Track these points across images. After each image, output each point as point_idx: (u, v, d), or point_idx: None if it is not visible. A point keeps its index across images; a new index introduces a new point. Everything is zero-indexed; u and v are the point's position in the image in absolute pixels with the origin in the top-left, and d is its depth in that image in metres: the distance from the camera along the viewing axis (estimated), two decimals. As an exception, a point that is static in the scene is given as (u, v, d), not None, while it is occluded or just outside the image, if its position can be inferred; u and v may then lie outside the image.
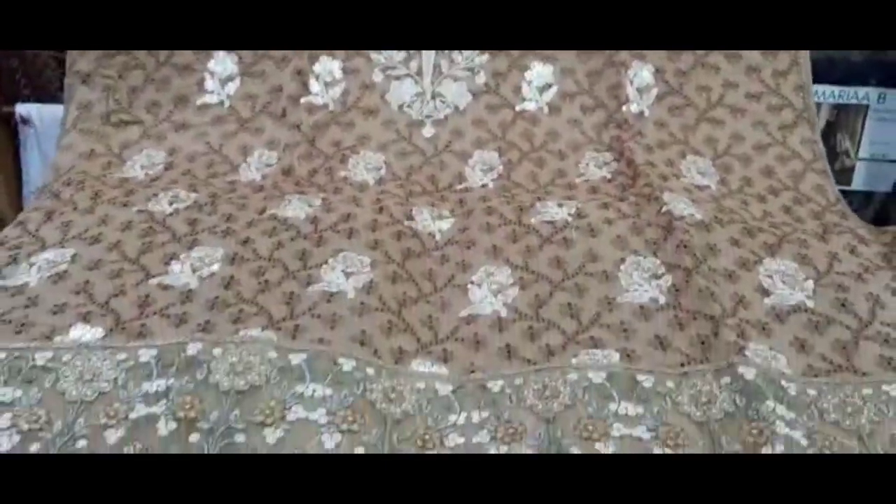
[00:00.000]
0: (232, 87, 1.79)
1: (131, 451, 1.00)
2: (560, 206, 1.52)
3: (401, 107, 1.79)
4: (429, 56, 1.80)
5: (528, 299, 1.31)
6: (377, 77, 1.80)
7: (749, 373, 1.11)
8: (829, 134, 1.83)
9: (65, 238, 1.41)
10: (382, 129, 1.76)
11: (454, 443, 1.07)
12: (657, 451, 1.04)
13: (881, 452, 1.04)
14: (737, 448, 1.03)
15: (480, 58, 1.81)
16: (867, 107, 1.84)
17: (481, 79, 1.81)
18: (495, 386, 1.15)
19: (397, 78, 1.80)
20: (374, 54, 1.80)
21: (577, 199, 1.57)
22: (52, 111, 1.77)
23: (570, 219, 1.47)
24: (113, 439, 1.03)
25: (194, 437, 1.03)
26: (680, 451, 1.04)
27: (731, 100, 1.79)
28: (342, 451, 1.03)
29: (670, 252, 1.37)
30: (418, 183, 1.68)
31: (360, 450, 1.04)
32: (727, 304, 1.26)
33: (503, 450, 1.05)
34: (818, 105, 1.82)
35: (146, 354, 1.14)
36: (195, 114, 1.77)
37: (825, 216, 1.60)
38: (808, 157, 1.74)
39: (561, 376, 1.14)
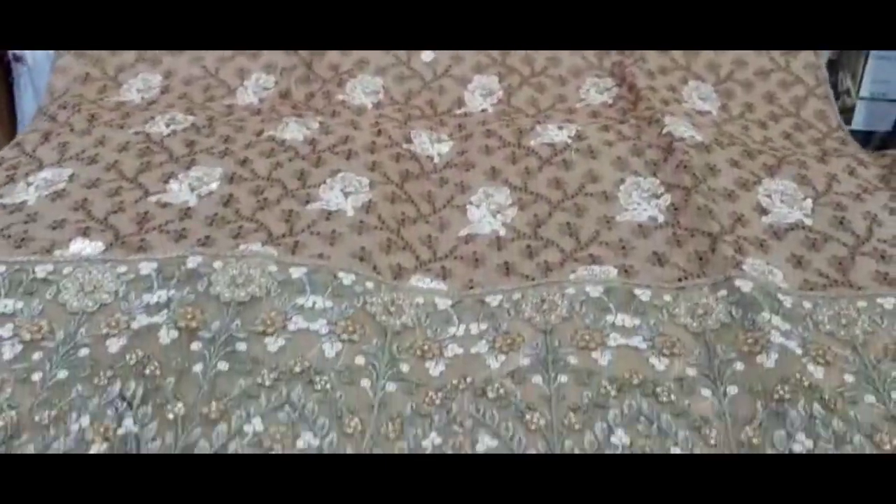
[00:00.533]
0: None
1: (133, 359, 1.00)
2: (560, 128, 1.52)
3: (399, 31, 1.77)
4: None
5: (527, 219, 1.31)
6: (375, 1, 1.78)
7: (745, 286, 1.12)
8: (830, 73, 1.81)
9: (62, 158, 1.40)
10: (381, 53, 1.74)
11: (453, 353, 1.08)
12: (653, 360, 1.05)
13: (874, 363, 1.05)
14: (732, 356, 1.05)
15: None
16: (868, 45, 1.82)
17: (481, 3, 1.78)
18: (494, 300, 1.15)
19: (395, 2, 1.78)
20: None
21: (577, 122, 1.56)
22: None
23: (569, 141, 1.47)
24: (115, 348, 1.04)
25: (196, 346, 1.04)
26: (675, 360, 1.05)
27: (734, 24, 1.76)
28: (342, 360, 1.04)
29: (670, 172, 1.37)
30: (417, 107, 1.67)
31: (360, 359, 1.05)
32: (725, 221, 1.27)
33: (501, 359, 1.06)
34: (820, 44, 1.79)
35: (147, 267, 1.14)
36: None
37: (826, 142, 1.60)
38: (812, 82, 1.73)
39: (559, 291, 1.15)
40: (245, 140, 1.46)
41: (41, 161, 1.40)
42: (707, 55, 1.75)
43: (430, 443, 0.96)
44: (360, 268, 1.17)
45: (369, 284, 1.15)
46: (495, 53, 1.75)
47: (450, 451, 0.94)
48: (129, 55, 1.72)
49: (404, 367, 1.05)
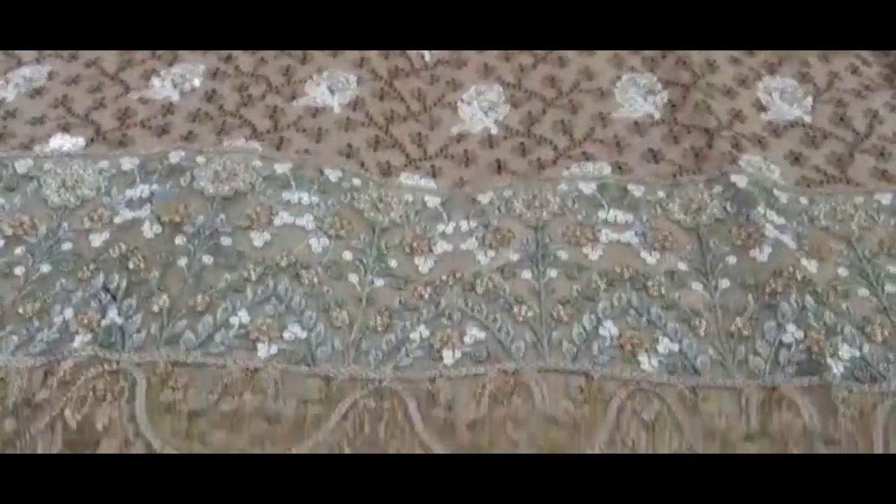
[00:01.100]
0: None
1: (116, 253, 0.99)
2: (555, 25, 1.46)
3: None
4: None
5: (520, 117, 1.28)
6: None
7: (741, 181, 1.10)
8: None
9: (41, 56, 1.36)
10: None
11: (442, 249, 1.06)
12: (644, 254, 1.04)
13: (868, 257, 1.04)
14: (725, 250, 1.03)
15: None
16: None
17: None
18: (484, 198, 1.13)
19: None
20: None
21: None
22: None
23: (565, 38, 1.42)
24: (98, 242, 1.02)
25: (180, 240, 1.02)
26: (667, 254, 1.03)
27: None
28: (329, 255, 1.03)
29: (668, 68, 1.33)
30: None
31: (347, 255, 1.03)
32: (723, 117, 1.23)
33: (490, 255, 1.04)
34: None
35: (128, 163, 1.12)
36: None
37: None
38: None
39: (551, 187, 1.13)
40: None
41: (20, 58, 1.35)
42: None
43: (419, 335, 0.95)
44: (347, 164, 1.14)
45: (356, 181, 1.13)
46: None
47: (437, 344, 0.93)
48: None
49: (392, 263, 1.04)
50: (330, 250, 1.04)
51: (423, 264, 1.04)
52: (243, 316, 0.95)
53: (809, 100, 1.29)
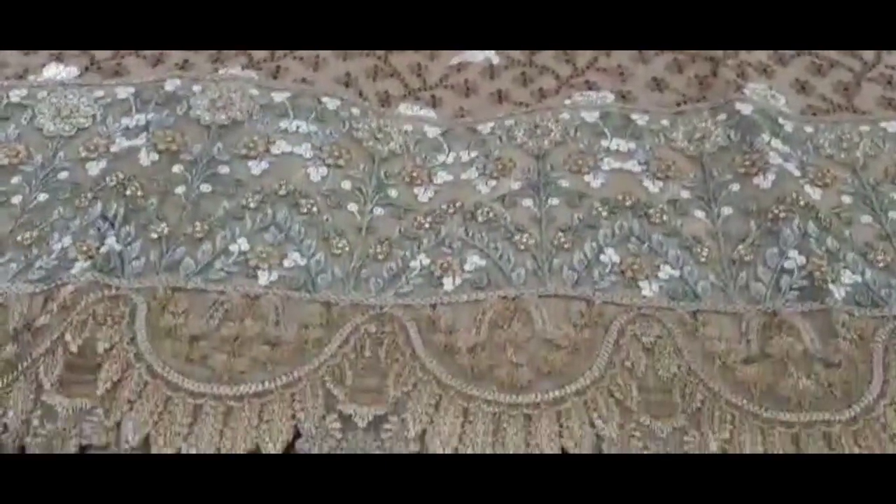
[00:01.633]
0: None
1: (114, 181, 0.98)
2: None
3: None
4: None
5: (522, 46, 1.26)
6: None
7: (746, 109, 1.09)
8: None
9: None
10: None
11: (442, 180, 1.05)
12: (647, 182, 1.03)
13: (873, 185, 1.02)
14: (728, 178, 1.02)
15: None
16: None
17: None
18: (485, 128, 1.12)
19: None
20: None
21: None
22: None
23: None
24: (95, 171, 1.01)
25: (177, 168, 1.01)
26: (670, 182, 1.02)
27: None
28: (328, 184, 1.02)
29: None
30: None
31: (346, 184, 1.02)
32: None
33: (491, 184, 1.03)
34: None
35: (124, 91, 1.10)
36: None
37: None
38: None
39: (553, 116, 1.11)
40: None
41: None
42: None
43: (419, 263, 0.94)
44: (346, 93, 1.13)
45: (355, 110, 1.11)
46: None
47: (438, 271, 0.93)
48: None
49: (392, 193, 1.03)
50: (329, 179, 1.03)
51: (423, 194, 1.03)
52: (243, 243, 0.94)
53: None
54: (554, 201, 1.00)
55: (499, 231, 0.97)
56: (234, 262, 0.93)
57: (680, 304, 0.90)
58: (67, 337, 0.82)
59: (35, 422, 0.77)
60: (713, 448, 0.77)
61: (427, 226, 0.99)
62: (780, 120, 1.09)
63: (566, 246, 0.95)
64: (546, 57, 1.23)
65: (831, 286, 0.90)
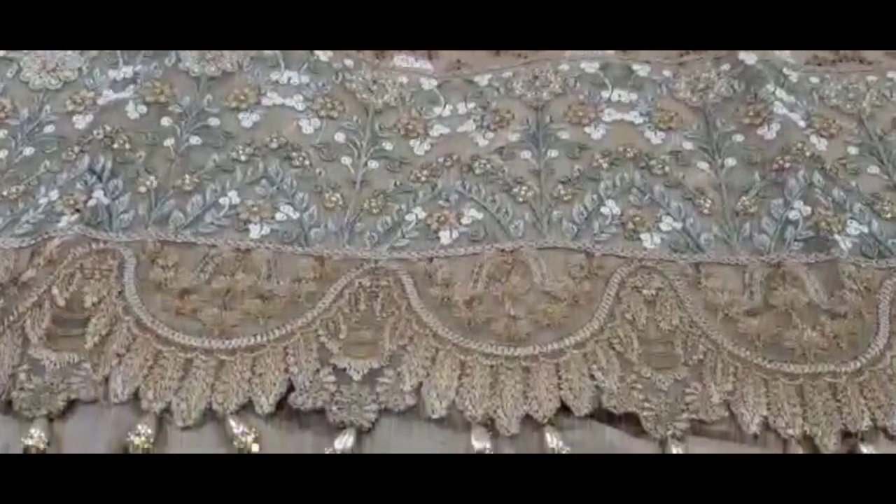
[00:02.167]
0: None
1: (101, 134, 0.95)
2: None
3: None
4: None
5: (520, -3, 1.22)
6: None
7: (750, 59, 1.06)
8: None
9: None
10: None
11: (438, 133, 1.02)
12: (649, 134, 1.00)
13: (880, 135, 1.00)
14: (731, 129, 1.00)
15: None
16: None
17: None
18: (482, 80, 1.09)
19: None
20: None
21: None
22: None
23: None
24: (82, 124, 0.99)
25: (166, 121, 0.98)
26: (672, 133, 1.00)
27: None
28: (321, 136, 0.99)
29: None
30: None
31: (340, 136, 1.00)
32: (733, -5, 1.18)
33: (489, 137, 1.01)
34: None
35: (110, 43, 1.07)
36: None
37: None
38: None
39: (552, 68, 1.08)
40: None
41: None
42: None
43: (415, 216, 0.92)
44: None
45: (348, 62, 1.08)
46: None
47: (434, 224, 0.91)
48: None
49: (387, 146, 1.01)
50: (322, 131, 1.00)
51: (419, 147, 1.01)
52: (233, 197, 0.92)
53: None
54: (553, 153, 0.98)
55: (496, 184, 0.95)
56: (225, 215, 0.90)
57: (682, 257, 0.88)
58: (54, 291, 0.80)
59: (22, 376, 0.74)
60: (715, 400, 0.75)
61: (423, 179, 0.97)
62: (785, 70, 1.06)
63: (566, 198, 0.93)
64: (545, 7, 1.19)
65: (837, 237, 0.88)
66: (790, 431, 0.74)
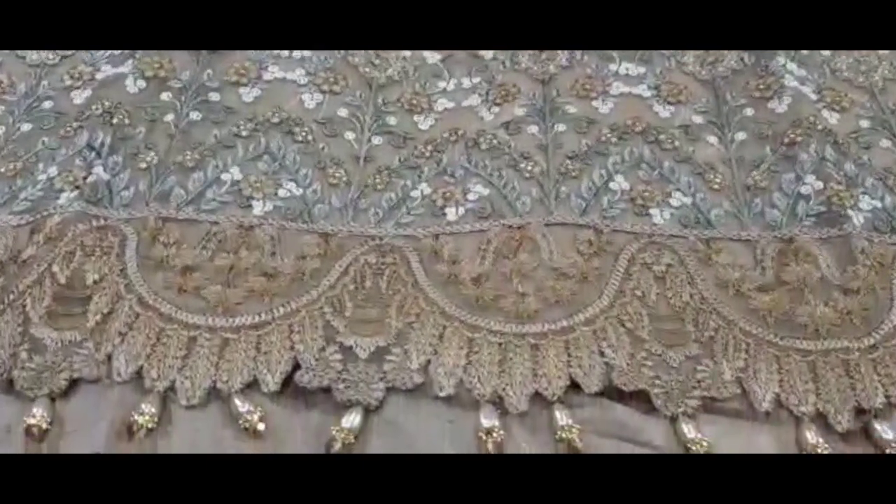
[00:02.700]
0: None
1: (99, 110, 0.94)
2: None
3: None
4: None
5: (525, -31, 1.20)
6: None
7: (761, 30, 1.04)
8: None
9: None
10: None
11: (443, 107, 1.01)
12: (657, 107, 0.99)
13: (892, 109, 0.98)
14: (742, 102, 0.98)
15: None
16: None
17: None
18: (487, 53, 1.07)
19: None
20: None
21: None
22: None
23: None
24: (80, 99, 0.97)
25: (166, 96, 0.97)
26: (682, 107, 0.98)
27: None
28: (324, 111, 0.98)
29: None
30: None
31: (343, 111, 0.98)
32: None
33: (495, 111, 0.99)
34: None
35: (108, 17, 1.05)
36: None
37: None
38: None
39: (559, 40, 1.06)
40: None
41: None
42: None
43: (420, 192, 0.91)
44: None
45: (352, 36, 1.06)
46: None
47: (440, 201, 0.89)
48: None
49: (391, 120, 0.99)
50: (324, 106, 0.98)
51: (424, 122, 0.99)
52: (235, 173, 0.91)
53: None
54: (561, 127, 0.96)
55: (503, 159, 0.94)
56: (227, 191, 0.89)
57: (692, 232, 0.86)
58: (55, 268, 0.79)
59: (23, 355, 0.73)
60: (727, 377, 0.74)
61: (428, 154, 0.95)
62: (797, 42, 1.05)
63: (574, 174, 0.92)
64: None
65: (850, 212, 0.87)
66: (803, 408, 0.73)
